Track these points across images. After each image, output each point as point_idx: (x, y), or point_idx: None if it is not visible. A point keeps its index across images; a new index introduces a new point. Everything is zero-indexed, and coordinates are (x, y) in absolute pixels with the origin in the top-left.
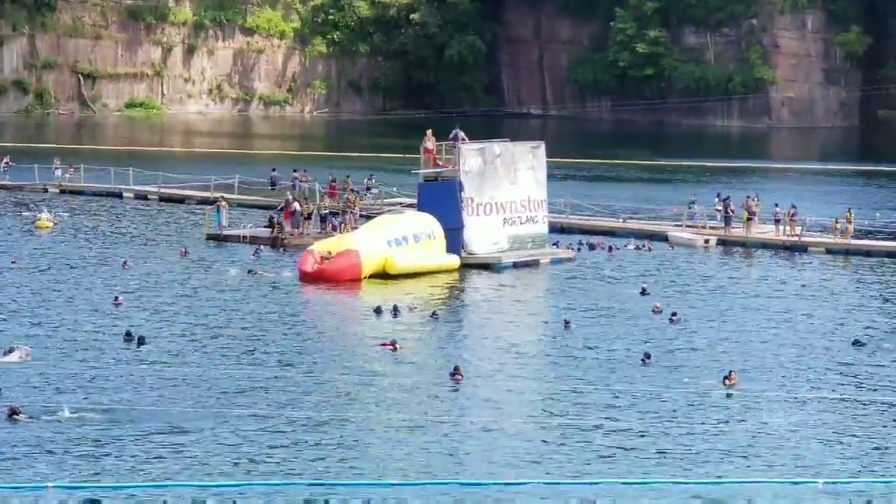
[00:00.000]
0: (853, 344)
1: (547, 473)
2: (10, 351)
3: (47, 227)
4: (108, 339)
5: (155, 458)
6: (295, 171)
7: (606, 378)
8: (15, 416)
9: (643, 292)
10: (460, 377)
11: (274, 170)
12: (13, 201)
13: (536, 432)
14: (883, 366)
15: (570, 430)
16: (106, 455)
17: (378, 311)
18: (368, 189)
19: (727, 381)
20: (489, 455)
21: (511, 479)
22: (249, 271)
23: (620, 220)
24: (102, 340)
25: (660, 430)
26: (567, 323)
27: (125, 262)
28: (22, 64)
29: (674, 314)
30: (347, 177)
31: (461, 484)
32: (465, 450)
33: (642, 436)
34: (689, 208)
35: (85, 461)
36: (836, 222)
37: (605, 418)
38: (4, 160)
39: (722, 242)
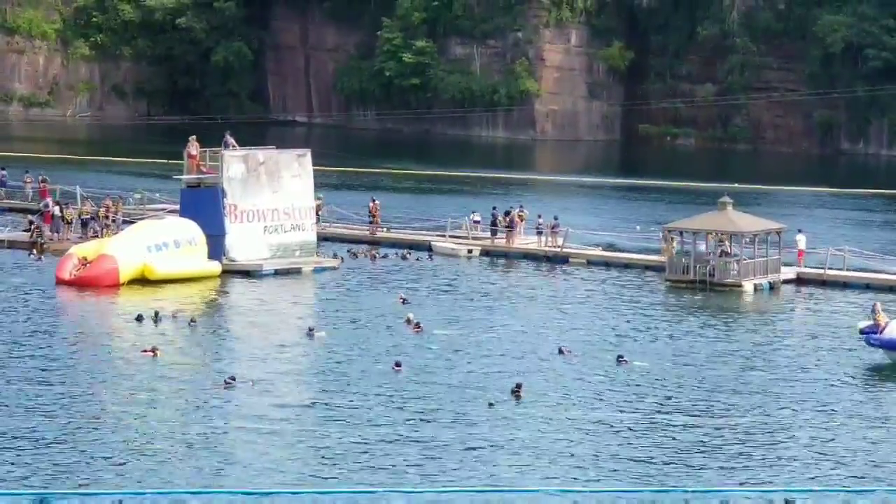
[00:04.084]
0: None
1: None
2: None
3: None
4: None
5: None
6: (27, 171)
7: (355, 385)
8: None
9: (403, 301)
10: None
11: (2, 169)
12: None
13: (290, 438)
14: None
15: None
16: None
17: (139, 318)
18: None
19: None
20: (251, 461)
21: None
22: None
23: (385, 229)
24: None
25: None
26: (311, 330)
27: None
28: None
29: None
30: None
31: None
32: (231, 457)
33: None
34: (469, 218)
35: None
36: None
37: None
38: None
39: (486, 253)
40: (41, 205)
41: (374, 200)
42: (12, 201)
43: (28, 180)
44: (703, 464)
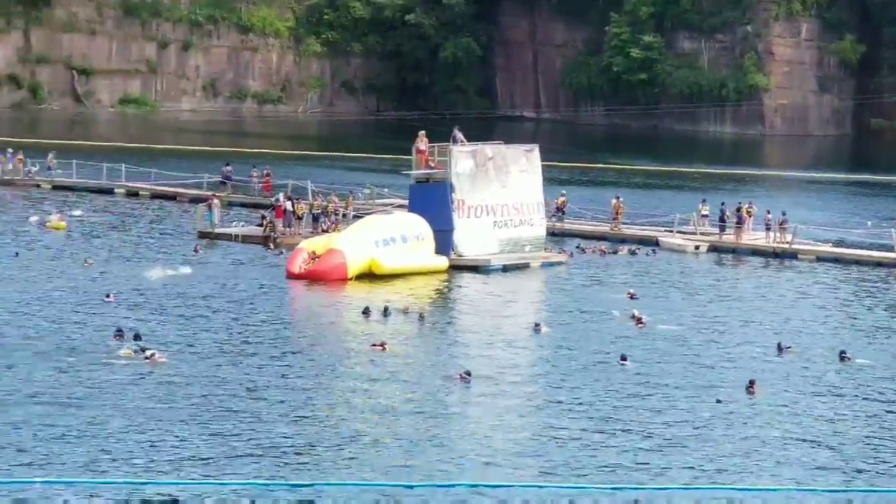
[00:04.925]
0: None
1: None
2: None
3: (61, 228)
4: (99, 336)
5: (146, 454)
6: (253, 167)
7: (581, 380)
8: None
9: (631, 297)
10: (467, 378)
11: (228, 164)
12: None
13: (521, 433)
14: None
15: (555, 432)
16: (106, 451)
17: (366, 312)
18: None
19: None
20: (484, 455)
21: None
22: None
23: (612, 224)
24: (94, 337)
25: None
26: (538, 326)
27: (86, 260)
28: (16, 58)
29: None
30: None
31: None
32: (461, 450)
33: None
34: (698, 213)
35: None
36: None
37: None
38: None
39: (713, 249)
40: (273, 200)
41: (618, 197)
42: (239, 196)
43: (254, 175)
44: None
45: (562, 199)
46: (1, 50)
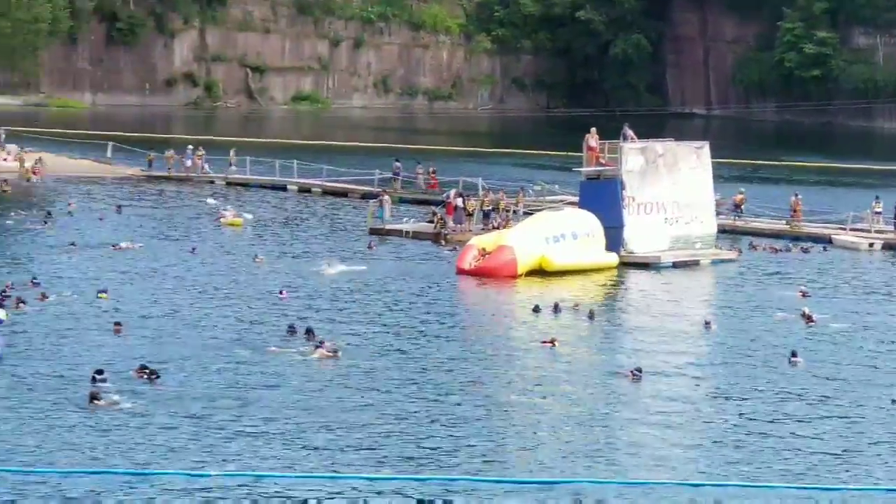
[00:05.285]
0: None
1: (700, 473)
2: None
3: (238, 225)
4: (273, 332)
5: (335, 449)
6: (418, 163)
7: (752, 378)
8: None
9: (803, 295)
10: (637, 376)
11: (397, 161)
12: (191, 194)
13: (691, 431)
14: None
15: (725, 429)
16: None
17: (537, 309)
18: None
19: None
20: (654, 452)
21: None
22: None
23: (784, 222)
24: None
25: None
26: (708, 323)
27: (256, 257)
28: (192, 57)
29: None
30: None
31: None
32: (632, 448)
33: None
34: (872, 210)
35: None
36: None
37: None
38: (232, 152)
39: (888, 247)
40: (444, 196)
41: (796, 195)
42: (408, 193)
43: (419, 171)
44: None
45: (740, 196)
46: (177, 49)
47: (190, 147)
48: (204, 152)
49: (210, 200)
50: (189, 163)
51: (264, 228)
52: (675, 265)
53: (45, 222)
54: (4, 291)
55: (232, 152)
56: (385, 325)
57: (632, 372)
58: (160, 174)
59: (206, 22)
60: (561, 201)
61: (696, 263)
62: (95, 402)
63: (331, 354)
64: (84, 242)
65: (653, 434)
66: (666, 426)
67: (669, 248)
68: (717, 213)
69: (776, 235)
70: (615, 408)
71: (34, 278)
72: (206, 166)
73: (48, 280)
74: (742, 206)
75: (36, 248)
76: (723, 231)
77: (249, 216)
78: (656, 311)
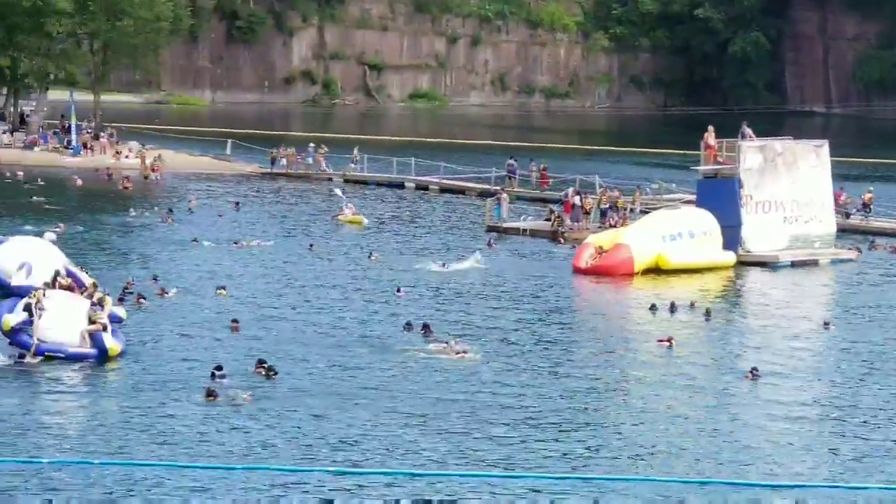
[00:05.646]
0: None
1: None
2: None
3: (358, 223)
4: (391, 329)
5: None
6: (531, 160)
7: (872, 381)
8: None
9: None
10: (755, 376)
11: (513, 159)
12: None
13: (810, 432)
14: None
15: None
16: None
17: (653, 307)
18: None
19: None
20: (773, 453)
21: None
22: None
23: None
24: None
25: None
26: (827, 324)
27: (371, 254)
28: (311, 54)
29: None
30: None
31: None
32: (750, 448)
33: None
34: None
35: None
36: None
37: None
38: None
39: None
40: (562, 194)
41: None
42: (523, 190)
43: (532, 169)
44: None
45: (868, 195)
46: (296, 46)
47: (312, 144)
48: (326, 150)
49: (337, 191)
50: (311, 160)
51: (382, 226)
52: (794, 264)
53: (167, 219)
54: (127, 289)
55: (356, 150)
56: (502, 324)
57: (750, 372)
58: (278, 171)
59: (324, 20)
60: (678, 200)
61: (814, 263)
62: (211, 397)
63: (459, 354)
64: (205, 239)
65: (771, 434)
66: (784, 427)
67: (788, 247)
68: (846, 214)
69: (882, 233)
70: (733, 408)
71: (154, 275)
72: (324, 162)
73: (169, 277)
74: (870, 206)
75: (157, 244)
76: (847, 231)
77: (365, 220)
78: (774, 310)
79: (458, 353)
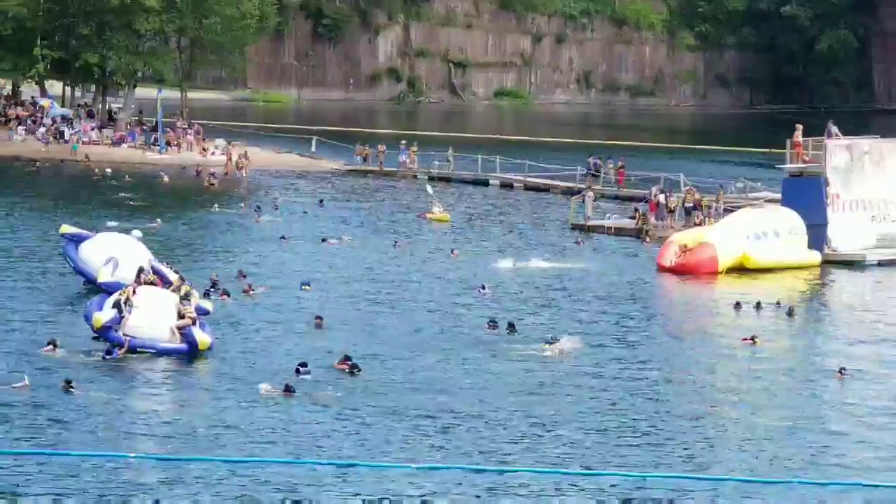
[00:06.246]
0: None
1: None
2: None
3: (445, 220)
4: (470, 324)
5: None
6: (590, 156)
7: None
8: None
9: None
10: (843, 376)
11: (594, 157)
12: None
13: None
14: None
15: None
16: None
17: (738, 305)
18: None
19: None
20: (861, 453)
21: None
22: None
23: None
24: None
25: None
26: None
27: (452, 251)
28: (396, 52)
29: None
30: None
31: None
32: (835, 447)
33: None
34: None
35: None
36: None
37: None
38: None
39: None
40: (646, 193)
41: None
42: (607, 188)
43: (609, 166)
44: None
45: None
46: (381, 44)
47: (403, 142)
48: (416, 148)
49: (428, 188)
50: (403, 158)
51: (467, 223)
52: (881, 264)
53: (257, 219)
54: (215, 285)
55: (450, 150)
56: (587, 321)
57: (839, 371)
58: (364, 168)
59: (409, 18)
60: (762, 199)
61: None
62: (288, 392)
63: (561, 352)
64: (291, 235)
65: (859, 435)
66: (872, 427)
67: (875, 246)
68: None
69: None
70: (821, 407)
71: (241, 270)
72: (407, 161)
73: (254, 273)
74: None
75: (243, 240)
76: None
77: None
78: (860, 310)
79: (561, 351)
